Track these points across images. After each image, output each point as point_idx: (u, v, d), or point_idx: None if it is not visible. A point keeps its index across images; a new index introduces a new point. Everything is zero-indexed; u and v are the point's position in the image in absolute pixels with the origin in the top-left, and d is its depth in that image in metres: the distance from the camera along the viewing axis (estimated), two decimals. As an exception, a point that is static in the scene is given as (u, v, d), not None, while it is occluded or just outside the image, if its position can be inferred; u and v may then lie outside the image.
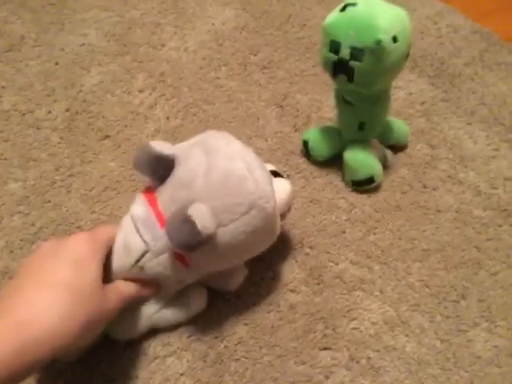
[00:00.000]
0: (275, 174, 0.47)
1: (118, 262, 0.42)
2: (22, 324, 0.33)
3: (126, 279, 0.42)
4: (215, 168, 0.40)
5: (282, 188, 0.46)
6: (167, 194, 0.41)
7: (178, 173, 0.41)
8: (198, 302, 0.47)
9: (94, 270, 0.38)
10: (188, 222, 0.37)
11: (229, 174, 0.40)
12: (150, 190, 0.42)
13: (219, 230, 0.39)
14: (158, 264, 0.41)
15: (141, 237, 0.41)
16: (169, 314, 0.46)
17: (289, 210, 0.48)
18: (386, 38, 0.45)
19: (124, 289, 0.41)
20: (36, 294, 0.35)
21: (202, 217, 0.38)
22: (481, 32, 0.75)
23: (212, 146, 0.41)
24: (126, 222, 0.42)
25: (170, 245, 0.39)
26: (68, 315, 0.35)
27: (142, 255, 0.41)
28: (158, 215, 0.41)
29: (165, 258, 0.41)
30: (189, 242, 0.38)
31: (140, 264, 0.41)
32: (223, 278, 0.47)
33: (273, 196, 0.42)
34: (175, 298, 0.46)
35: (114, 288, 0.40)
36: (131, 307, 0.44)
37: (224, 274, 0.47)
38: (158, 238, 0.40)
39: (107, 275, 0.41)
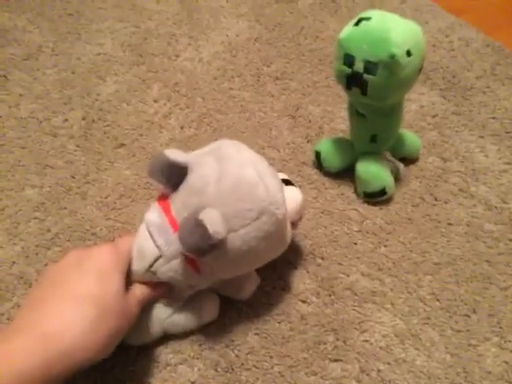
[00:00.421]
0: (287, 182, 0.48)
1: (133, 266, 0.43)
2: (48, 336, 0.34)
3: (139, 283, 0.43)
4: (227, 175, 0.40)
5: (293, 196, 0.46)
6: (180, 200, 0.41)
7: (191, 180, 0.41)
8: (211, 310, 0.48)
9: (117, 281, 0.39)
10: (200, 226, 0.38)
11: (240, 180, 0.40)
12: (164, 198, 0.43)
13: (230, 235, 0.40)
14: (171, 269, 0.42)
15: (154, 242, 0.41)
16: (181, 320, 0.46)
17: (300, 218, 0.49)
18: (399, 52, 0.45)
19: (139, 292, 0.42)
20: (60, 306, 0.36)
21: (214, 221, 0.38)
22: (492, 45, 0.76)
23: (224, 153, 0.42)
24: (141, 229, 0.43)
25: (181, 249, 0.39)
26: (91, 329, 0.35)
27: (155, 260, 0.42)
28: (172, 221, 0.41)
29: (177, 263, 0.41)
30: (200, 246, 0.38)
31: (153, 269, 0.42)
32: (235, 286, 0.48)
33: (283, 203, 0.42)
34: (188, 304, 0.47)
35: (133, 294, 0.41)
36: (144, 310, 0.44)
37: (236, 282, 0.47)
38: (171, 243, 0.41)
39: (127, 283, 0.42)
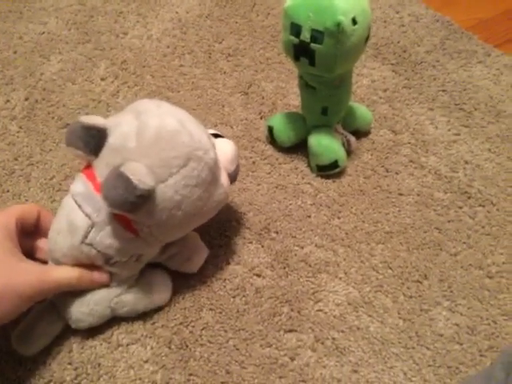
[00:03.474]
0: (216, 135, 0.47)
1: (65, 242, 0.41)
2: None
3: (79, 262, 0.41)
4: (147, 127, 0.39)
5: (223, 146, 0.45)
6: (103, 163, 0.40)
7: (111, 140, 0.40)
8: (162, 292, 0.46)
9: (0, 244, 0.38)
10: (122, 178, 0.36)
11: (161, 130, 0.39)
12: (88, 167, 0.41)
13: (159, 186, 0.38)
14: (106, 236, 0.40)
15: (83, 211, 0.40)
16: (129, 300, 0.45)
17: (236, 171, 0.47)
18: (345, 20, 0.45)
19: (62, 273, 0.41)
20: None
21: (137, 172, 0.36)
22: (442, 20, 0.77)
23: (142, 109, 0.41)
24: (67, 202, 0.41)
25: (108, 207, 0.37)
26: None
27: (88, 231, 0.40)
28: (97, 187, 0.40)
29: (111, 228, 0.40)
30: (126, 199, 0.36)
31: (88, 241, 0.40)
32: (184, 257, 0.47)
33: (211, 148, 0.41)
34: (137, 285, 0.45)
35: (44, 270, 0.40)
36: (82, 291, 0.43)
37: (185, 254, 0.47)
38: (100, 208, 0.39)
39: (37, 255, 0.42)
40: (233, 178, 0.47)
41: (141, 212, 0.38)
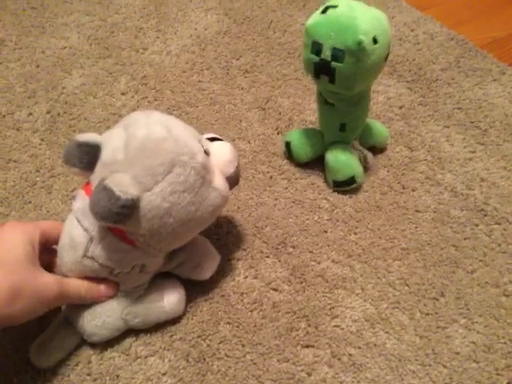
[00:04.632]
0: (213, 139, 0.46)
1: (69, 257, 0.42)
2: None
3: (84, 276, 0.43)
4: (133, 138, 0.39)
5: (221, 149, 0.45)
6: (97, 178, 0.40)
7: (103, 155, 0.40)
8: (174, 304, 0.46)
9: (22, 247, 0.40)
10: (105, 190, 0.36)
11: (146, 139, 0.39)
12: (87, 183, 0.42)
13: (145, 194, 0.38)
14: (105, 249, 0.41)
15: (82, 226, 0.41)
16: (141, 311, 0.45)
17: (236, 172, 0.47)
18: (366, 40, 0.46)
19: (70, 282, 0.42)
20: None
21: (120, 183, 0.37)
22: (456, 39, 0.78)
23: (131, 121, 0.41)
24: (70, 218, 0.42)
25: (96, 220, 0.38)
26: None
27: (88, 245, 0.41)
28: None
29: (108, 240, 0.40)
30: (110, 211, 0.36)
31: (89, 254, 0.41)
32: (194, 265, 0.47)
33: (199, 152, 0.41)
34: (149, 295, 0.46)
35: (59, 279, 0.41)
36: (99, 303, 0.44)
37: (195, 261, 0.47)
38: (96, 222, 0.40)
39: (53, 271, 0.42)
40: (233, 180, 0.46)
41: (130, 222, 0.38)
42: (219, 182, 0.43)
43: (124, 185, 0.37)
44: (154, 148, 0.39)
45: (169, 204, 0.39)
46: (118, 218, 0.37)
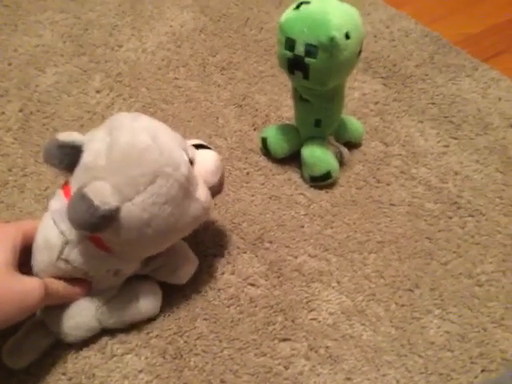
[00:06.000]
0: (199, 146, 0.45)
1: (42, 258, 0.41)
2: None
3: (55, 277, 0.42)
4: (116, 144, 0.38)
5: (206, 158, 0.44)
6: (76, 181, 0.40)
7: (84, 157, 0.39)
8: (150, 303, 0.46)
9: (3, 253, 0.38)
10: (84, 199, 0.35)
11: (130, 147, 0.38)
12: (66, 182, 0.41)
13: (125, 204, 0.37)
14: (80, 253, 0.40)
15: (58, 228, 0.40)
16: (115, 310, 0.44)
17: (220, 182, 0.46)
18: (338, 35, 0.46)
19: (50, 283, 0.41)
20: None
21: (99, 193, 0.36)
22: (431, 36, 0.79)
23: (116, 124, 0.40)
24: (44, 218, 0.42)
25: (73, 227, 0.37)
26: None
27: (63, 248, 0.40)
28: None
29: (84, 245, 0.40)
30: (88, 220, 0.35)
31: (63, 257, 0.40)
32: (171, 269, 0.46)
33: (184, 163, 0.40)
34: (124, 294, 0.45)
35: (41, 282, 0.40)
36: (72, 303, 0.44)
37: (172, 266, 0.46)
38: None
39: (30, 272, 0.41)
40: (216, 190, 0.46)
41: (107, 231, 0.37)
42: (202, 193, 0.43)
43: (104, 194, 0.36)
44: (138, 157, 0.38)
45: (149, 215, 0.38)
46: (96, 228, 0.36)
